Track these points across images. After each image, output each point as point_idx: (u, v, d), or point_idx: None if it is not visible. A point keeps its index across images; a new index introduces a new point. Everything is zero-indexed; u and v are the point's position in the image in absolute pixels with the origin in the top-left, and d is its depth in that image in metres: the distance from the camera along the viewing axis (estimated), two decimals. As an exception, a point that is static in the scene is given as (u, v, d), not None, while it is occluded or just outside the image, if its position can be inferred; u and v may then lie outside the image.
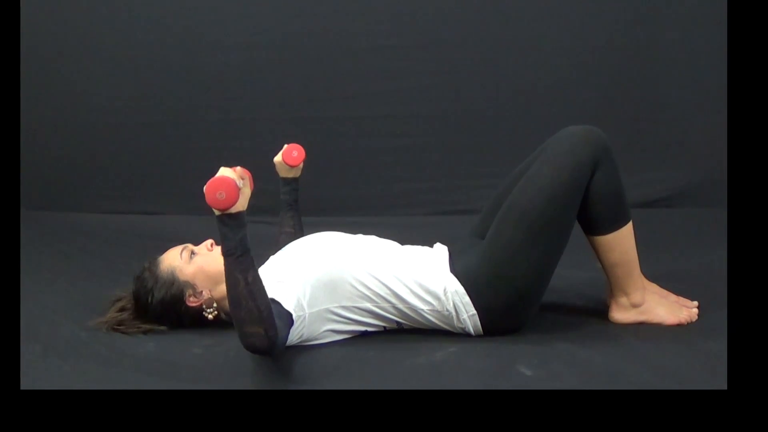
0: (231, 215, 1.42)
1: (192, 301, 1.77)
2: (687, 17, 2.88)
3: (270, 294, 1.59)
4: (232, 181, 1.39)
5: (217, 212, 1.43)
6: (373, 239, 1.84)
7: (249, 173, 1.53)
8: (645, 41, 2.91)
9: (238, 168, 1.49)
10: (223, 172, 1.44)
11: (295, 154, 2.05)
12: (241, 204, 1.43)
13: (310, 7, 2.90)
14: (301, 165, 2.08)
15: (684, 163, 2.95)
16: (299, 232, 2.05)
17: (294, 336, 1.63)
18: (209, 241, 1.85)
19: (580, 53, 2.91)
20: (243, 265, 1.42)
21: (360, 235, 1.85)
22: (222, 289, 1.78)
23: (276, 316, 1.53)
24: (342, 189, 2.98)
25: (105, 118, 3.02)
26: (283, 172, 2.10)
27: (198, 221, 2.80)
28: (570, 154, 1.67)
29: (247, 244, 1.44)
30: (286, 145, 2.07)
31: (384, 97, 2.94)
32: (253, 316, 1.41)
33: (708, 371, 1.52)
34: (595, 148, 1.68)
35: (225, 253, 1.43)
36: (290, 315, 1.58)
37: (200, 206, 2.96)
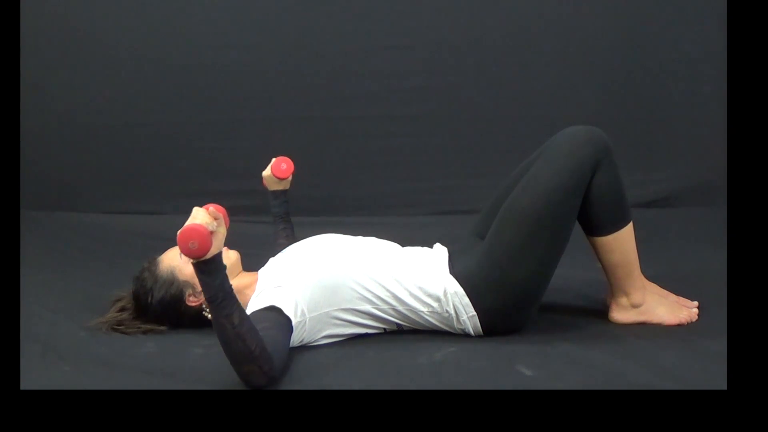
0: (206, 261, 1.42)
1: (192, 301, 1.77)
2: (687, 17, 2.88)
3: (269, 301, 1.61)
4: (202, 229, 1.39)
5: (192, 261, 1.42)
6: (372, 241, 1.84)
7: (223, 210, 1.52)
8: (645, 41, 2.91)
9: (211, 208, 1.48)
10: (195, 216, 1.43)
11: (284, 167, 2.06)
12: (216, 247, 1.43)
13: (310, 8, 2.90)
14: (290, 178, 2.09)
15: (684, 163, 2.95)
16: (294, 242, 2.03)
17: (295, 340, 1.63)
18: (209, 241, 1.84)
19: (580, 53, 2.91)
20: (227, 309, 1.42)
21: (359, 237, 1.85)
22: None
23: (275, 326, 1.54)
24: (342, 189, 2.98)
25: (105, 118, 3.01)
26: (273, 185, 2.11)
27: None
28: (571, 154, 1.67)
29: (227, 286, 1.44)
30: (274, 159, 2.08)
31: (384, 97, 2.94)
32: (245, 356, 1.43)
33: (708, 371, 1.52)
34: (596, 148, 1.68)
35: (207, 300, 1.43)
36: (290, 321, 1.59)
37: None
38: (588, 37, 2.90)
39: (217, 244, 1.43)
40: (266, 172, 2.10)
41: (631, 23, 2.90)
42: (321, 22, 2.91)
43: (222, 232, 1.46)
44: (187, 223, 1.41)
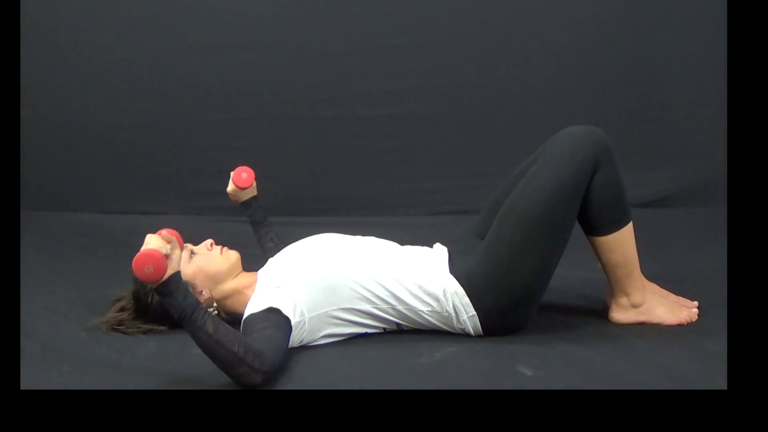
0: (165, 283, 1.45)
1: (192, 301, 1.77)
2: (687, 17, 2.88)
3: (268, 302, 1.61)
4: (156, 253, 1.42)
5: (152, 286, 1.46)
6: (371, 240, 1.84)
7: (176, 233, 1.56)
8: (645, 41, 2.91)
9: (164, 232, 1.52)
10: (148, 242, 1.47)
11: (244, 176, 2.07)
12: (172, 268, 1.46)
13: (309, 7, 2.90)
14: (255, 184, 2.09)
15: (684, 163, 2.95)
16: (281, 243, 2.03)
17: (295, 340, 1.64)
18: (209, 241, 1.85)
19: (580, 53, 2.91)
20: (198, 321, 1.45)
21: (359, 237, 1.85)
22: (222, 288, 1.79)
23: (273, 326, 1.56)
24: (342, 189, 2.98)
25: (105, 118, 3.01)
26: (241, 197, 2.11)
27: (198, 221, 2.80)
28: (570, 154, 1.67)
29: (191, 300, 1.46)
30: (232, 173, 2.08)
31: (384, 97, 2.93)
32: (231, 359, 1.45)
33: (708, 371, 1.52)
34: (596, 148, 1.68)
35: (177, 319, 1.46)
36: (288, 321, 1.60)
37: (200, 206, 2.95)
38: (588, 37, 2.90)
39: (173, 266, 1.46)
40: (230, 188, 2.10)
41: (631, 23, 2.90)
42: (321, 22, 2.91)
43: (177, 254, 1.49)
44: (141, 249, 1.44)
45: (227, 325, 1.49)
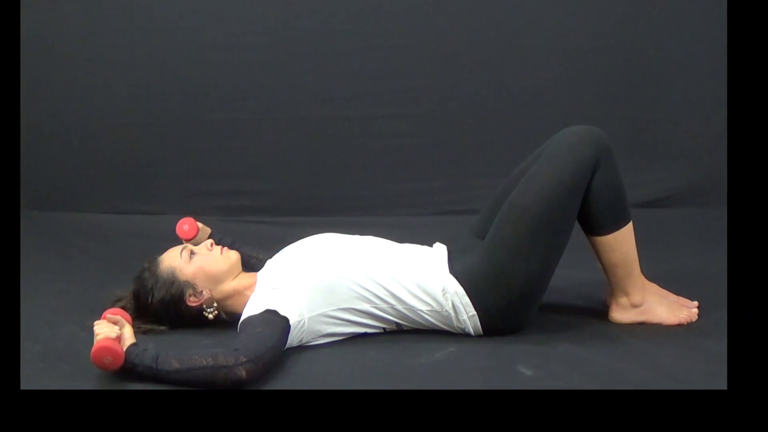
0: (125, 362, 1.48)
1: (192, 301, 1.77)
2: (687, 17, 2.88)
3: (265, 304, 1.62)
4: (108, 342, 1.47)
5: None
6: (370, 240, 1.84)
7: (119, 310, 1.60)
8: (645, 41, 2.90)
9: (108, 315, 1.56)
10: (97, 333, 1.50)
11: (186, 228, 2.05)
12: (126, 345, 1.51)
13: (310, 7, 2.90)
14: (200, 226, 2.06)
15: (684, 163, 2.95)
16: (263, 254, 1.99)
17: (294, 340, 1.64)
18: (209, 241, 1.85)
19: (580, 53, 2.91)
20: (165, 366, 1.49)
21: (357, 236, 1.85)
22: (222, 289, 1.79)
23: (265, 325, 1.57)
24: (342, 189, 2.98)
25: (105, 118, 3.01)
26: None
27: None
28: (571, 154, 1.67)
29: (150, 355, 1.50)
30: (176, 231, 2.06)
31: (384, 97, 2.93)
32: (208, 373, 1.47)
33: (708, 371, 1.52)
34: (596, 148, 1.68)
35: (151, 380, 1.49)
36: (286, 320, 1.60)
37: (200, 206, 2.95)
38: (587, 36, 2.90)
39: (127, 343, 1.51)
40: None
41: (630, 23, 2.90)
42: (321, 22, 2.90)
43: (127, 331, 1.54)
44: (95, 343, 1.47)
45: (190, 351, 1.53)
